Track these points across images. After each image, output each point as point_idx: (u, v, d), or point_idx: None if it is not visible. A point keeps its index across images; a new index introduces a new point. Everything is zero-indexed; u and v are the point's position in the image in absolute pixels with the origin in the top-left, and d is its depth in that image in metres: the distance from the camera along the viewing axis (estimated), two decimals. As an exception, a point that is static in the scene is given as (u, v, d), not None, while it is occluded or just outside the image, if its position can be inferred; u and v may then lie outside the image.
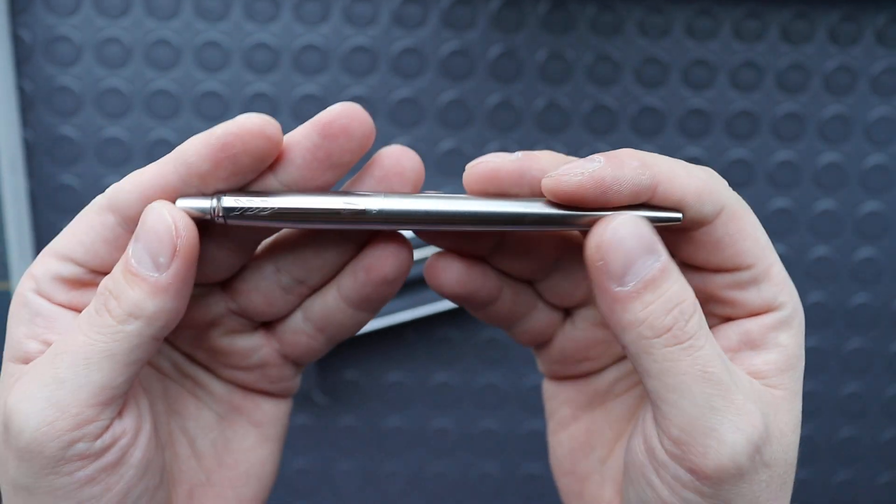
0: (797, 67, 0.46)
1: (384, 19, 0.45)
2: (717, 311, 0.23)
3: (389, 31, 0.45)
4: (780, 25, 0.46)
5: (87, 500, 0.20)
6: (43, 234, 0.46)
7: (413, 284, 0.46)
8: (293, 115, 0.45)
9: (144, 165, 0.45)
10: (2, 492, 0.21)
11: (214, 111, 0.45)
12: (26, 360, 0.21)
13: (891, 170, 0.47)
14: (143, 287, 0.20)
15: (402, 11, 0.45)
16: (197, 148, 0.20)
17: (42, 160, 0.45)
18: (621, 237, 0.20)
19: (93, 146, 0.45)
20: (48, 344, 0.21)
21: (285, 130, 0.45)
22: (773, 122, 0.47)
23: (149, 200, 0.20)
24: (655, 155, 0.21)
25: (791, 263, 0.48)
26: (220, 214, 0.20)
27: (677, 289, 0.20)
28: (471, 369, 0.49)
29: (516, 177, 0.21)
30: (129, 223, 0.21)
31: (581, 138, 0.46)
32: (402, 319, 0.46)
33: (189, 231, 0.20)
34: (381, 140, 0.46)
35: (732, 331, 0.22)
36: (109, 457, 0.20)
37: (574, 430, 0.27)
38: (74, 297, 0.21)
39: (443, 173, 0.46)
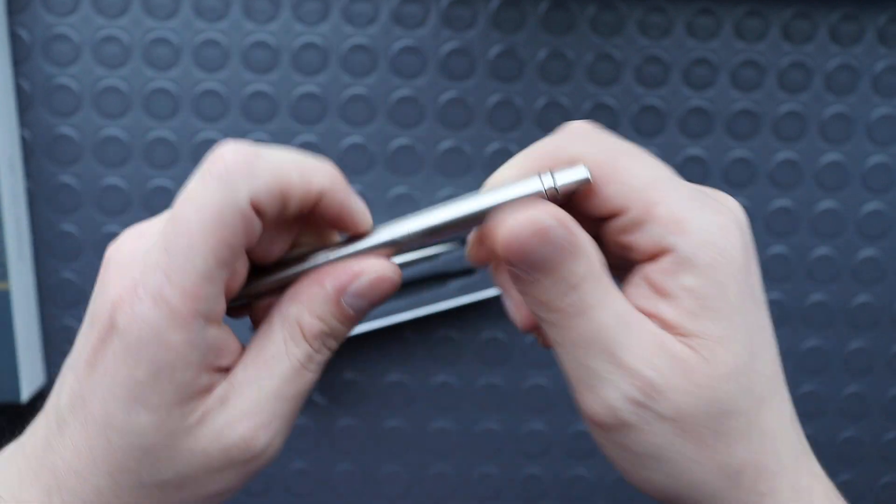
0: (798, 66, 0.46)
1: (384, 18, 0.45)
2: (624, 256, 0.24)
3: (389, 30, 0.45)
4: (782, 24, 0.45)
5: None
6: (42, 234, 0.46)
7: (413, 284, 0.46)
8: (292, 114, 0.45)
9: (143, 165, 0.45)
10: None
11: (214, 110, 0.45)
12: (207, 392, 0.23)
13: (892, 169, 0.47)
14: (353, 322, 0.24)
15: (402, 10, 0.45)
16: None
17: (41, 160, 0.45)
18: (524, 241, 0.22)
19: (91, 145, 0.45)
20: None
21: (284, 130, 0.45)
22: (774, 122, 0.46)
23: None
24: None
25: (792, 263, 0.48)
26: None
27: (572, 268, 0.22)
28: (471, 369, 0.49)
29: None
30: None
31: (581, 138, 0.46)
32: (402, 319, 0.45)
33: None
34: (381, 140, 0.46)
35: (639, 277, 0.23)
36: None
37: None
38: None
39: (443, 173, 0.46)
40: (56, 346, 0.47)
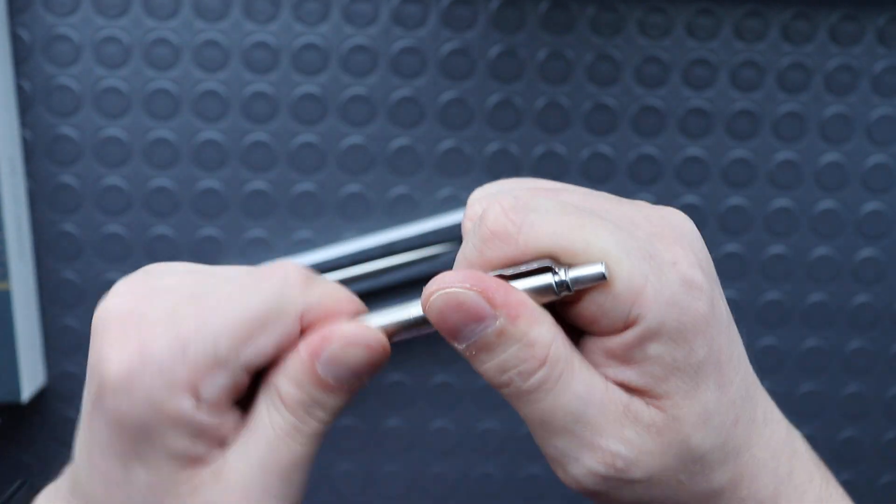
0: (798, 67, 0.46)
1: (384, 18, 0.45)
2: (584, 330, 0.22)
3: (389, 30, 0.45)
4: (781, 25, 0.45)
5: None
6: (42, 234, 0.46)
7: (413, 285, 0.46)
8: (292, 114, 0.45)
9: (143, 166, 0.45)
10: None
11: (214, 111, 0.45)
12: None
13: (892, 169, 0.47)
14: (337, 392, 0.23)
15: (402, 11, 0.45)
16: None
17: (41, 160, 0.45)
18: (440, 312, 0.21)
19: (92, 146, 0.45)
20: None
21: (284, 130, 0.45)
22: (773, 122, 0.46)
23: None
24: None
25: (792, 263, 0.48)
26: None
27: (514, 352, 0.21)
28: (471, 369, 0.49)
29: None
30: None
31: (581, 138, 0.46)
32: (401, 319, 0.45)
33: None
34: (381, 140, 0.46)
35: (596, 346, 0.22)
36: None
37: None
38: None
39: (443, 173, 0.46)
40: (56, 346, 0.47)
